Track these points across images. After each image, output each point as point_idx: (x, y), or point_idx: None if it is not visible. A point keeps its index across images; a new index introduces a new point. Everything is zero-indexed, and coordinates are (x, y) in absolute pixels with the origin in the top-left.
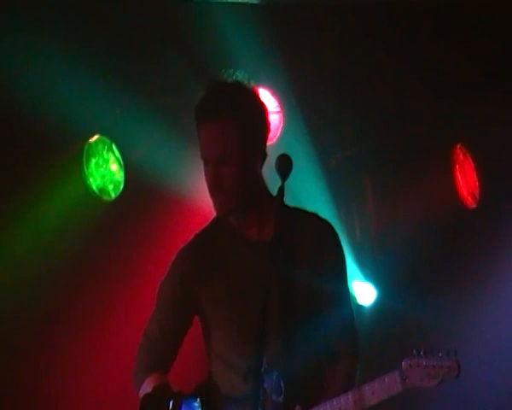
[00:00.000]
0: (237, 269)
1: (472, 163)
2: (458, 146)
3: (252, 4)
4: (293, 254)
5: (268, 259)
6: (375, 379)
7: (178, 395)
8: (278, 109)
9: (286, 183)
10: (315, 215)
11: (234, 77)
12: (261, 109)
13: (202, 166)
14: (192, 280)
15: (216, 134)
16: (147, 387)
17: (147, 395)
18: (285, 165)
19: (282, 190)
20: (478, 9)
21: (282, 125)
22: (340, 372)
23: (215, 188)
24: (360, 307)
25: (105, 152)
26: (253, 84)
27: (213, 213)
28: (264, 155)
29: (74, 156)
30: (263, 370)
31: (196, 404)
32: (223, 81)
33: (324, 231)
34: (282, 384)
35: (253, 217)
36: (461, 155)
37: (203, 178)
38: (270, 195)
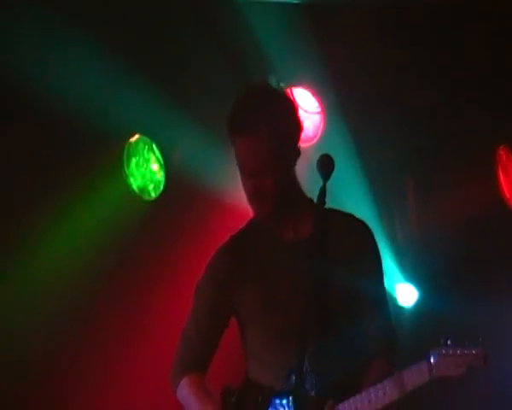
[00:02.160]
0: (273, 270)
1: None
2: (501, 147)
3: (293, 4)
4: (330, 255)
5: (306, 259)
6: (402, 370)
7: (268, 391)
8: (319, 110)
9: (327, 183)
10: (351, 216)
11: (265, 82)
12: (293, 112)
13: (247, 194)
14: (228, 282)
15: (253, 148)
16: (184, 387)
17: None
18: (327, 165)
19: (323, 191)
20: None
21: (322, 125)
22: (375, 372)
23: (257, 198)
24: (401, 308)
25: (145, 152)
26: (283, 86)
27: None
28: (298, 154)
29: (115, 156)
30: (304, 370)
31: (284, 402)
32: (253, 90)
33: (361, 231)
34: (314, 381)
35: (289, 218)
36: (504, 156)
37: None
38: (305, 194)
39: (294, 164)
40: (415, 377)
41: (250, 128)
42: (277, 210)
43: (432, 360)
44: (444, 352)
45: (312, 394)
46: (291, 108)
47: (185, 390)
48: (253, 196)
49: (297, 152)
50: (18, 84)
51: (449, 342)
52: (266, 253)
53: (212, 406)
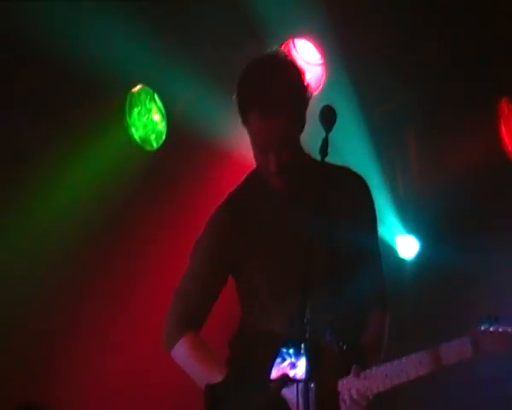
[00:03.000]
0: (274, 226)
1: None
2: (504, 99)
3: None
4: (329, 210)
5: (306, 214)
6: (441, 343)
7: (277, 339)
8: (321, 61)
9: (329, 134)
10: (347, 169)
11: (273, 51)
12: (303, 82)
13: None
14: (229, 239)
15: (275, 128)
16: (181, 347)
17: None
18: (329, 116)
19: (325, 142)
20: None
21: (324, 77)
22: (372, 325)
23: (280, 171)
24: (402, 260)
25: (147, 102)
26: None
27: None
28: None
29: (117, 106)
30: (305, 321)
31: (291, 351)
32: (266, 60)
33: (358, 184)
34: (336, 340)
35: (286, 172)
36: (506, 108)
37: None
38: (304, 151)
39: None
40: (456, 351)
41: (271, 107)
42: (295, 173)
43: (476, 335)
44: (489, 328)
45: (335, 351)
46: (302, 79)
47: (183, 351)
48: (280, 171)
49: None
50: (24, 33)
51: (493, 319)
52: (267, 208)
53: (216, 364)
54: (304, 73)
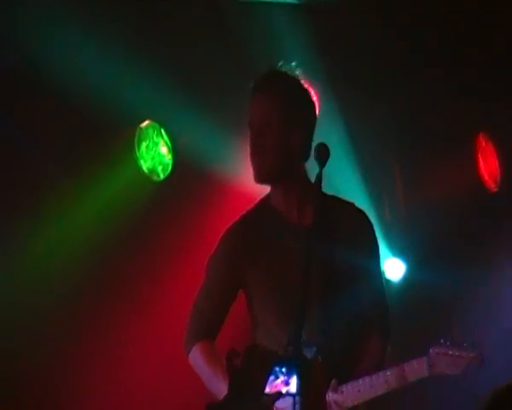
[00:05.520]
0: (279, 249)
1: (494, 150)
2: (481, 134)
3: (292, 4)
4: (330, 237)
5: (307, 240)
6: (404, 363)
7: (271, 357)
8: (315, 98)
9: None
10: (352, 204)
11: (288, 67)
12: (309, 96)
13: (249, 151)
14: (238, 257)
15: (262, 101)
16: (195, 352)
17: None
18: (323, 153)
19: (320, 177)
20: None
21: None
22: (370, 350)
23: (254, 153)
24: (389, 281)
25: (155, 136)
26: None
27: (258, 196)
28: (308, 148)
29: (127, 140)
30: (302, 341)
31: (284, 369)
32: (284, 69)
33: (360, 218)
34: (319, 358)
35: (293, 200)
36: (483, 143)
37: (249, 162)
38: (311, 183)
39: (303, 152)
40: (415, 371)
41: (265, 85)
42: (275, 175)
43: (432, 357)
44: (443, 351)
45: (319, 359)
46: (308, 92)
47: (196, 355)
48: (254, 152)
49: (305, 144)
50: (34, 72)
51: (448, 343)
52: (273, 234)
53: (221, 369)
54: (313, 95)
